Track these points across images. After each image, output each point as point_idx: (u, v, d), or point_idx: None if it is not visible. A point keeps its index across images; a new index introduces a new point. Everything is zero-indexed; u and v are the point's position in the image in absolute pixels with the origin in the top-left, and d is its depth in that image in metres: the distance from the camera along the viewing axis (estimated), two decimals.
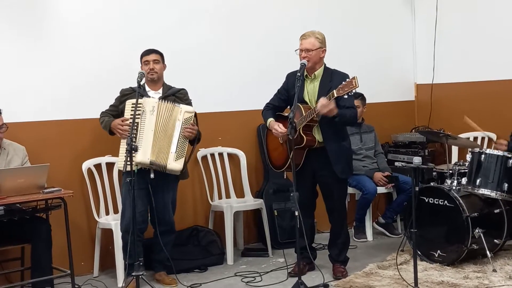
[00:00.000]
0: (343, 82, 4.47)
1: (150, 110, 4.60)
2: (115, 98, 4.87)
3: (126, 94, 4.80)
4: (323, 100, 4.50)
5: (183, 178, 4.94)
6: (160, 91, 4.86)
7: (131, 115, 4.50)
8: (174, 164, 4.64)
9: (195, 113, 4.80)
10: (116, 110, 4.84)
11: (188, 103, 4.88)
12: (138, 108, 4.48)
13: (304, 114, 4.66)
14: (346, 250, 5.05)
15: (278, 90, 5.01)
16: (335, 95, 4.48)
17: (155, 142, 4.60)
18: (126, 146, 4.25)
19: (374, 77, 6.70)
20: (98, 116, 4.87)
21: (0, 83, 4.88)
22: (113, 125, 4.69)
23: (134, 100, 4.55)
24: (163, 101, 4.68)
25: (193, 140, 4.80)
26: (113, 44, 5.34)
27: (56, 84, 5.12)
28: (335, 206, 4.93)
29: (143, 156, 4.54)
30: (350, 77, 4.48)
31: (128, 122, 4.57)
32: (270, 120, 4.90)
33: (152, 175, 4.64)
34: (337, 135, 4.78)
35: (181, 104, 4.73)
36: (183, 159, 4.69)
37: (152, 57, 4.81)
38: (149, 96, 4.76)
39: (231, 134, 5.99)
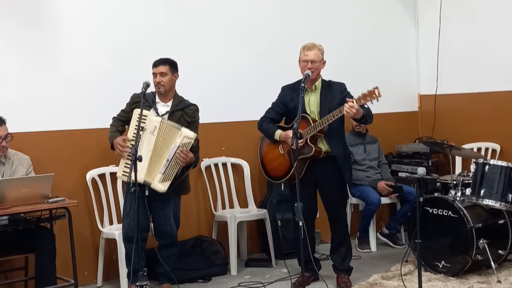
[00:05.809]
0: (365, 92, 4.47)
1: (152, 130, 4.50)
2: (127, 103, 4.80)
3: (136, 102, 4.66)
4: (351, 103, 4.47)
5: (184, 193, 4.90)
6: (170, 103, 4.76)
7: (135, 126, 4.45)
8: (158, 185, 4.55)
9: (197, 138, 4.67)
10: (126, 116, 4.75)
11: (195, 120, 4.76)
12: (142, 120, 4.41)
13: (312, 124, 4.68)
14: (350, 258, 5.04)
15: (274, 104, 4.98)
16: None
17: (150, 163, 4.53)
18: (127, 157, 4.26)
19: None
20: (103, 126, 4.89)
21: (5, 93, 4.89)
22: (114, 142, 4.63)
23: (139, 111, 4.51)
24: (165, 120, 4.59)
25: (189, 165, 4.70)
26: (118, 54, 5.36)
27: (60, 94, 5.13)
28: (339, 214, 4.97)
29: (138, 175, 4.38)
30: (372, 87, 4.46)
31: (129, 143, 4.51)
32: (279, 131, 4.86)
33: (147, 192, 4.54)
34: (343, 144, 4.91)
35: (183, 128, 4.59)
36: (169, 182, 4.58)
37: (160, 70, 4.69)
38: (157, 108, 4.69)
39: (234, 144, 5.99)
